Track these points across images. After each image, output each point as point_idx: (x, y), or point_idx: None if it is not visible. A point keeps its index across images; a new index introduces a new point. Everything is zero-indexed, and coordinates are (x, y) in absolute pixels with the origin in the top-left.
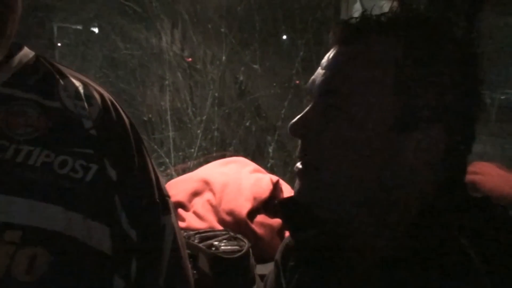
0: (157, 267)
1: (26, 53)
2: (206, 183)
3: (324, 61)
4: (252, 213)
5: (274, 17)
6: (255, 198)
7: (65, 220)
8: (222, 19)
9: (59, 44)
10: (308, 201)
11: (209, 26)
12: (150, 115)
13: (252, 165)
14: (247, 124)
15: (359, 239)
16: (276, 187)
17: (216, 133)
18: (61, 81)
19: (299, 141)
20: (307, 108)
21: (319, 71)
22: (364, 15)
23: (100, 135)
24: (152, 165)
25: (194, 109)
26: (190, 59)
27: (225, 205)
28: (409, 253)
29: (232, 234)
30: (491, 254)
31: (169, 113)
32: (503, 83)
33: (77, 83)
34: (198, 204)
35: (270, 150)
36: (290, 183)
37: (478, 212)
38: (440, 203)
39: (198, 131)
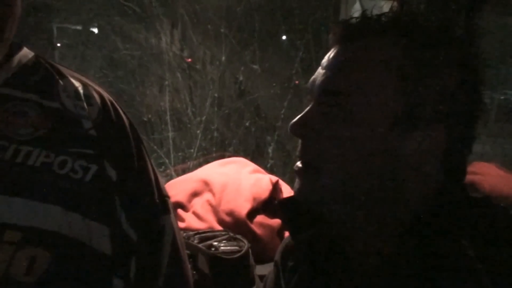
0: (157, 267)
1: (26, 53)
2: (206, 183)
3: (325, 61)
4: (251, 214)
5: (274, 18)
6: (254, 199)
7: (65, 220)
8: (221, 20)
9: (58, 44)
10: (308, 201)
11: (209, 26)
12: (149, 116)
13: (251, 166)
14: (247, 124)
15: (359, 239)
16: (275, 187)
17: (215, 134)
18: (60, 81)
19: (299, 141)
20: (308, 107)
21: (320, 71)
22: (365, 15)
23: (99, 136)
24: (152, 166)
25: (193, 109)
26: (189, 60)
27: (225, 206)
28: (409, 253)
29: (231, 234)
30: (491, 254)
31: (168, 113)
32: (503, 83)
33: (77, 84)
34: (198, 204)
35: (270, 151)
36: (290, 183)
37: (479, 212)
38: (440, 203)
39: (198, 132)
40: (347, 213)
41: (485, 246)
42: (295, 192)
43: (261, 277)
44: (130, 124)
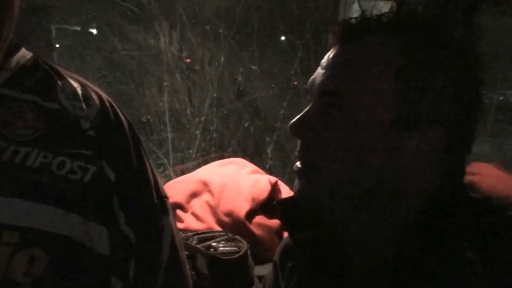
0: (155, 268)
1: (24, 54)
2: (205, 184)
3: (324, 61)
4: (250, 214)
5: (273, 18)
6: (253, 199)
7: (63, 221)
8: (220, 20)
9: (57, 45)
10: (307, 201)
11: (208, 27)
12: (148, 116)
13: (250, 166)
14: (246, 125)
15: (359, 239)
16: (274, 188)
17: (214, 134)
18: (59, 82)
19: (299, 141)
20: (307, 107)
21: (319, 70)
22: (364, 15)
23: (98, 136)
24: (150, 166)
25: (192, 110)
26: (188, 60)
27: (224, 206)
28: (408, 254)
29: (230, 235)
30: (490, 255)
31: (167, 114)
32: (502, 83)
33: (75, 84)
34: (197, 205)
35: (269, 151)
36: (289, 184)
37: (478, 212)
38: (439, 204)
39: (197, 132)
40: (347, 214)
41: (484, 247)
42: (294, 193)
43: (260, 278)
44: (129, 124)
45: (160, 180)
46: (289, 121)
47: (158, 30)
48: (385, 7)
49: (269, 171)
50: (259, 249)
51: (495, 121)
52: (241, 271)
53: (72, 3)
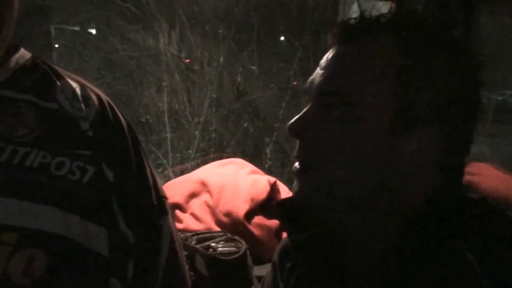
0: (154, 268)
1: (23, 54)
2: (204, 184)
3: (323, 61)
4: (249, 215)
5: (272, 18)
6: (252, 200)
7: (62, 221)
8: (219, 21)
9: (56, 46)
10: (306, 202)
11: (207, 27)
12: (147, 117)
13: (249, 167)
14: (245, 125)
15: (357, 240)
16: (273, 188)
17: (213, 135)
18: (58, 82)
19: (297, 142)
20: (306, 108)
21: (318, 71)
22: (363, 16)
23: (97, 137)
24: (149, 167)
25: (191, 110)
26: (187, 61)
27: (223, 207)
28: (406, 254)
29: (229, 235)
30: (488, 255)
31: (166, 114)
32: (500, 84)
33: (74, 84)
34: (196, 205)
35: (268, 152)
36: (288, 184)
37: (475, 213)
38: (437, 204)
39: (196, 133)
40: (345, 214)
41: (482, 247)
42: (294, 194)
43: (259, 278)
44: (128, 125)
45: (159, 181)
46: (289, 121)
47: (157, 30)
48: (384, 8)
49: (268, 172)
50: (258, 249)
51: (494, 121)
52: (240, 272)
53: (71, 3)
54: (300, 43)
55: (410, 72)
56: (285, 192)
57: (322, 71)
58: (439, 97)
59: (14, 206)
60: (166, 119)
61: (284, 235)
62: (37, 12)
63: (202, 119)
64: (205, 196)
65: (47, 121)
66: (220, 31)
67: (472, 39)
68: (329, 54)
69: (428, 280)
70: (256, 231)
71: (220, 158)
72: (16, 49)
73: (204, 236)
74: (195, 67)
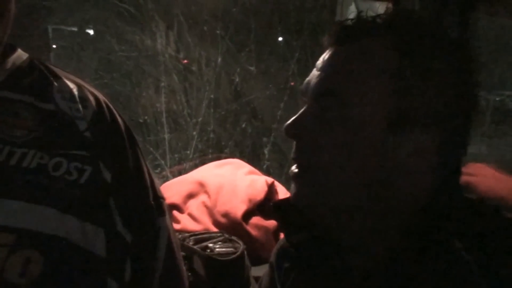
0: (152, 269)
1: (20, 55)
2: (201, 185)
3: (320, 62)
4: (247, 215)
5: (270, 19)
6: (250, 200)
7: (60, 222)
8: (217, 21)
9: (54, 46)
10: (304, 204)
11: (205, 28)
12: (145, 117)
13: (247, 167)
14: (243, 126)
15: (354, 241)
16: (271, 189)
17: (211, 135)
18: (55, 83)
19: (294, 142)
20: (302, 109)
21: (314, 72)
22: (360, 17)
23: (94, 137)
24: (147, 167)
25: (189, 111)
26: (185, 61)
27: (220, 207)
28: (404, 255)
29: (227, 236)
30: (485, 256)
31: (164, 115)
32: (498, 84)
33: (72, 85)
34: (193, 206)
35: (266, 152)
36: (286, 185)
37: (473, 214)
38: (435, 205)
39: (194, 133)
40: (342, 215)
41: (479, 247)
42: (292, 196)
43: (257, 279)
44: (125, 125)
45: (156, 181)
46: (287, 121)
47: (155, 30)
48: (381, 8)
49: (266, 172)
50: (255, 250)
51: (491, 122)
52: (237, 272)
53: (69, 4)
54: (298, 43)
55: (407, 74)
56: (283, 192)
57: (319, 72)
58: (436, 98)
59: (11, 207)
60: (164, 120)
61: (282, 235)
62: (35, 12)
63: (200, 119)
64: (202, 197)
65: (44, 122)
66: (218, 31)
67: (470, 39)
68: (325, 55)
69: (425, 280)
70: (253, 232)
71: (218, 158)
72: (13, 50)
73: (201, 237)
74: (193, 68)
